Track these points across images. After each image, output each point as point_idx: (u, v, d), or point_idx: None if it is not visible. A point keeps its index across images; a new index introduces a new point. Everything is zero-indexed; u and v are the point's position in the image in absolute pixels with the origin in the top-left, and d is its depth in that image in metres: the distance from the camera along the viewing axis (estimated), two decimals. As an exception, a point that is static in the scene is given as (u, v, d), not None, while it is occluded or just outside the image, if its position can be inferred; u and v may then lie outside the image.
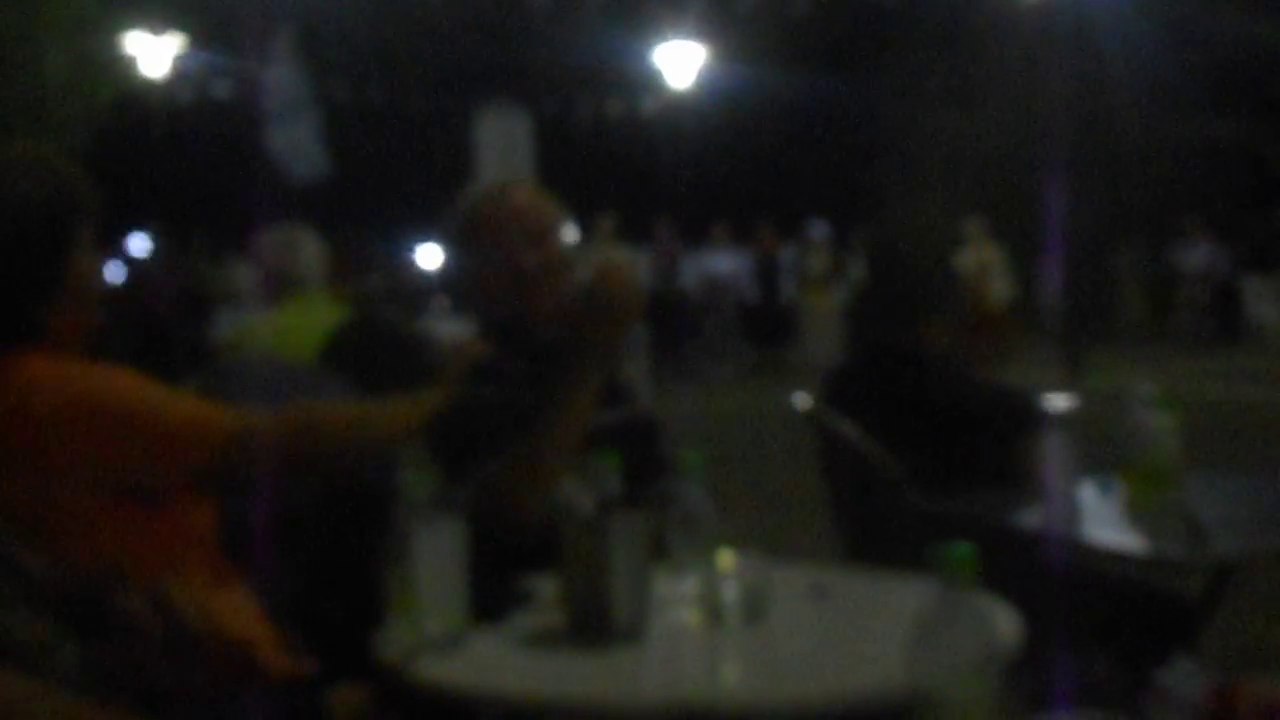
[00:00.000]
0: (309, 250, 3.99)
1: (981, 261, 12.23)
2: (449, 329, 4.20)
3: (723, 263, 15.98)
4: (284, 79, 10.03)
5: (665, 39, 17.30)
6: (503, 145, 16.19)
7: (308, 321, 3.78)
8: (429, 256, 19.16)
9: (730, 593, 1.89)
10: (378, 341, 3.57)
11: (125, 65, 13.34)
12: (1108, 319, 17.05)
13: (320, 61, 17.28)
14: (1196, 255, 17.20)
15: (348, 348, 3.44)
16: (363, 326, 3.71)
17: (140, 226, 15.97)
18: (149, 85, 14.36)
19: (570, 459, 2.22)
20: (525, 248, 2.46)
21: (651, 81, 17.97)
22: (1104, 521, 2.41)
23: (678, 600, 1.93)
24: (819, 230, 16.15)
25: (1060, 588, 2.29)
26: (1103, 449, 2.55)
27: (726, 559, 1.93)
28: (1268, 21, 16.98)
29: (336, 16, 16.91)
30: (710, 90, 18.11)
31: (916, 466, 2.80)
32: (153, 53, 14.17)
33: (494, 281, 2.48)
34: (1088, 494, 2.53)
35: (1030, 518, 2.46)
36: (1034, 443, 2.72)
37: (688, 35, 17.21)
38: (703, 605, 1.89)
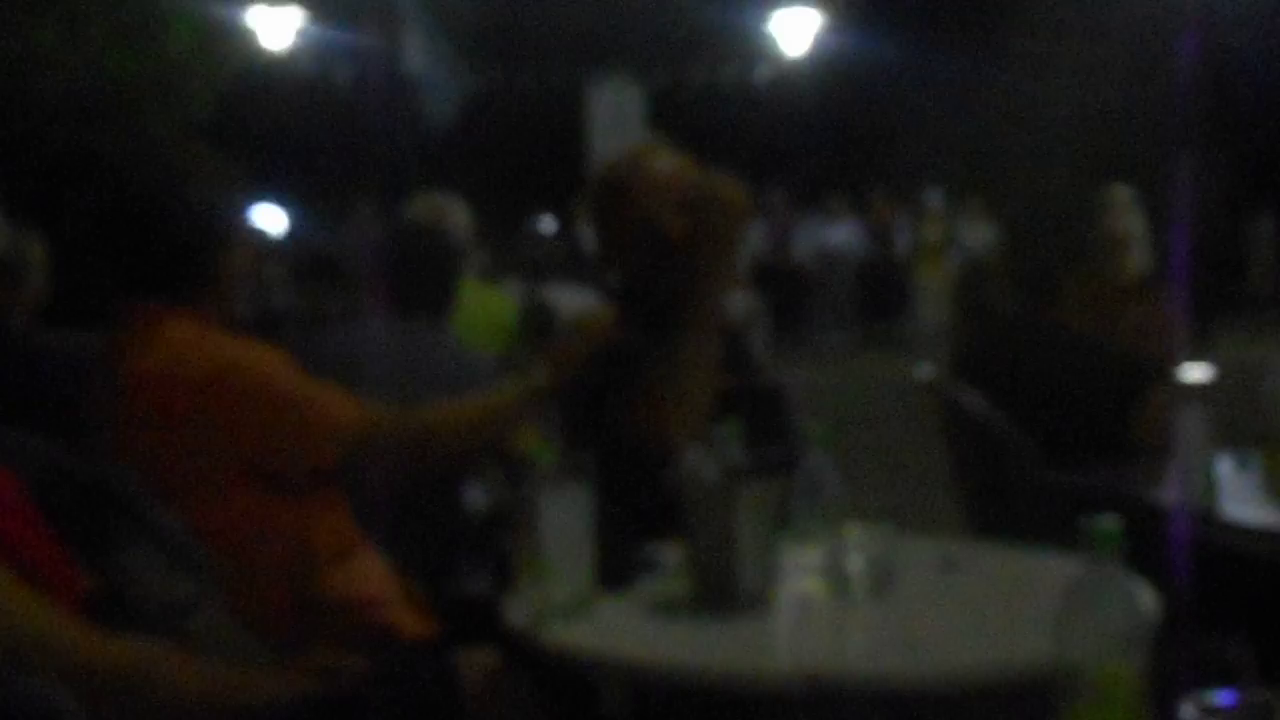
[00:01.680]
0: (458, 219, 3.98)
1: (1123, 230, 11.88)
2: (571, 298, 4.20)
3: (837, 233, 15.83)
4: (416, 41, 10.15)
5: (780, 5, 17.12)
6: (614, 118, 16.22)
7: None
8: (548, 227, 19.30)
9: (856, 563, 1.87)
10: None
11: (247, 38, 13.60)
12: (1239, 288, 16.53)
13: (445, 33, 17.49)
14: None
15: None
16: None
17: (265, 198, 16.36)
18: (271, 58, 14.65)
19: (705, 394, 2.21)
20: (671, 214, 2.40)
21: (766, 49, 17.79)
22: (1242, 497, 2.35)
23: (803, 570, 1.92)
24: (933, 199, 15.92)
25: (1194, 564, 2.23)
26: (1239, 421, 2.48)
27: (852, 529, 1.92)
28: None
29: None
30: (825, 58, 17.88)
31: (1046, 439, 2.75)
32: (273, 25, 14.43)
33: (638, 250, 2.42)
34: (1225, 469, 2.46)
35: (1164, 492, 2.40)
36: (1148, 405, 2.66)
37: (802, 1, 17.00)
38: (828, 575, 1.88)
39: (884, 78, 19.66)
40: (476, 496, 3.24)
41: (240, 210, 2.16)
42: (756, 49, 17.94)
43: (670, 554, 2.01)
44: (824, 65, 18.01)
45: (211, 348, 2.00)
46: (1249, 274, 17.49)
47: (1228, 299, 15.04)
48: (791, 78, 18.13)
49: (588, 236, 15.30)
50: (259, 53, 14.23)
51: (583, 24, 17.02)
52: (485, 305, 4.01)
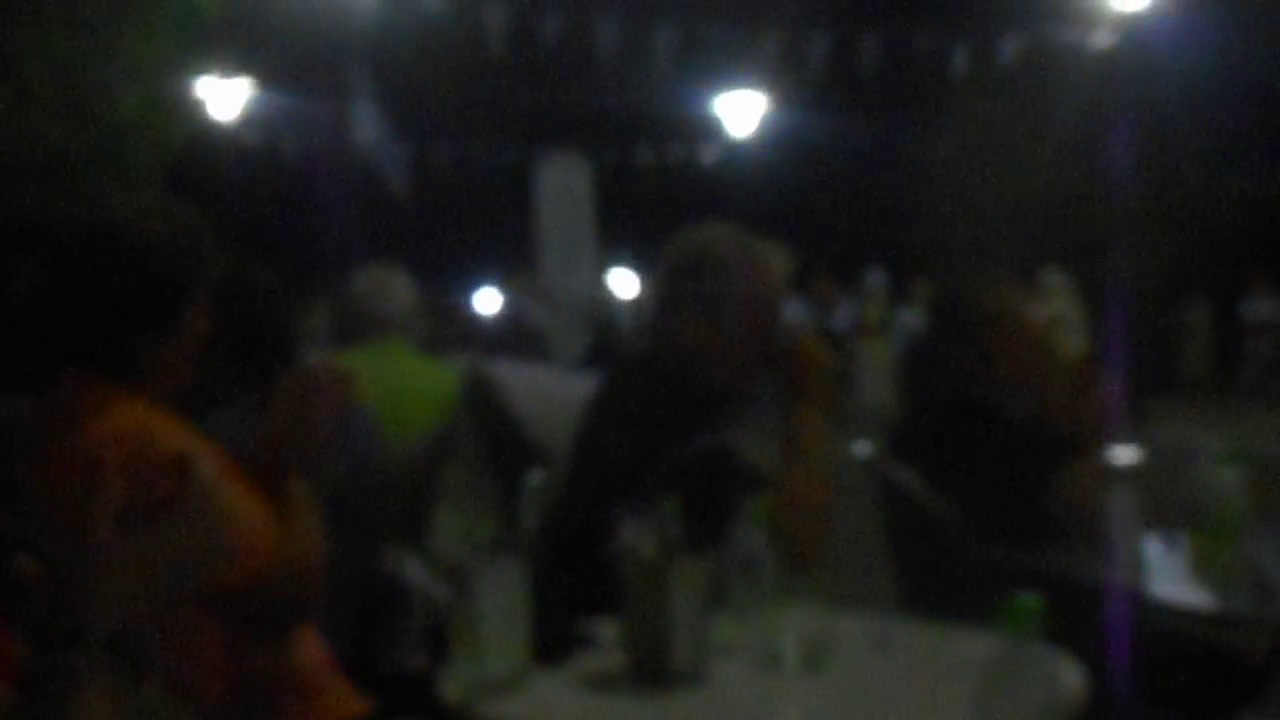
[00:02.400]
0: (401, 292, 3.98)
1: (1056, 314, 12.07)
2: (518, 374, 4.16)
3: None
4: (367, 111, 10.21)
5: (727, 88, 17.41)
6: (562, 193, 16.33)
7: (386, 364, 3.81)
8: (486, 302, 19.27)
9: (790, 641, 1.89)
10: None
11: (196, 108, 13.62)
12: (1173, 372, 16.83)
13: (393, 105, 17.57)
14: (1263, 308, 16.96)
15: None
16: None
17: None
18: (218, 129, 14.66)
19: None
20: (772, 323, 2.48)
21: (712, 130, 18.08)
22: (1170, 577, 2.39)
23: (738, 647, 1.93)
24: (875, 279, 16.13)
25: (1124, 643, 2.27)
26: (1169, 504, 2.53)
27: (787, 607, 1.94)
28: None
29: (400, 66, 17.18)
30: (771, 139, 18.18)
31: (979, 518, 2.78)
32: (223, 96, 14.47)
33: (728, 351, 2.45)
34: (1153, 549, 2.50)
35: (1095, 571, 2.44)
36: (1066, 478, 2.69)
37: (751, 85, 17.30)
38: (762, 653, 1.89)
39: (826, 159, 20.01)
40: (413, 570, 3.23)
41: (192, 293, 2.06)
42: (703, 129, 18.22)
43: (606, 629, 2.02)
44: (768, 147, 18.31)
45: (156, 435, 1.93)
46: (1184, 358, 17.83)
47: (1163, 383, 15.32)
48: (737, 158, 18.41)
49: (532, 311, 15.33)
50: (208, 123, 14.24)
51: (532, 101, 17.22)
52: (424, 377, 4.01)
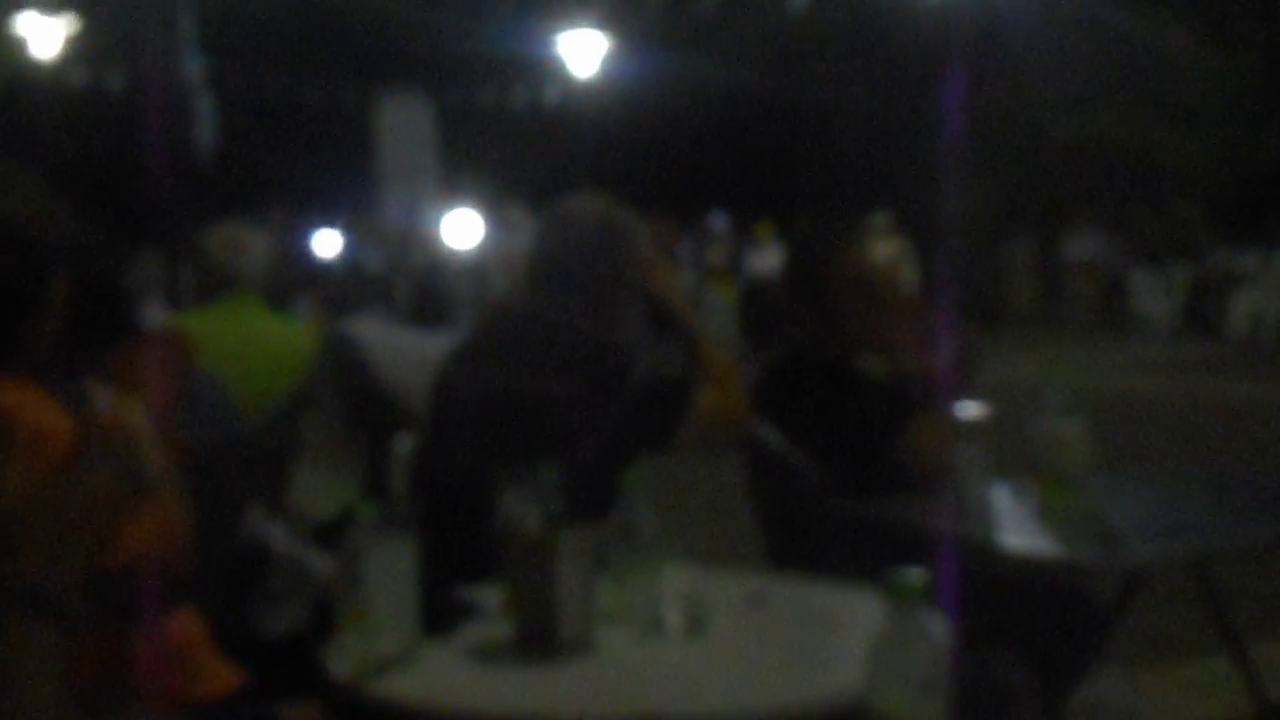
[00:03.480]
0: (255, 248, 3.91)
1: (890, 253, 12.48)
2: (375, 331, 4.09)
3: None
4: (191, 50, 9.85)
5: (570, 28, 17.31)
6: (404, 132, 16.08)
7: (239, 322, 3.75)
8: (325, 244, 18.86)
9: (672, 606, 1.95)
10: None
11: (16, 46, 12.98)
12: (999, 308, 17.47)
13: (219, 47, 16.97)
14: (1085, 247, 17.71)
15: None
16: None
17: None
18: (40, 67, 13.99)
19: None
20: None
21: (555, 70, 17.97)
22: (1017, 527, 2.51)
23: (619, 612, 1.98)
24: (718, 222, 16.32)
25: (973, 592, 2.39)
26: (1007, 446, 2.63)
27: (667, 572, 2.00)
28: (1157, 19, 17.51)
29: (233, 6, 16.61)
30: (613, 80, 18.16)
31: (835, 471, 2.88)
32: (44, 34, 13.81)
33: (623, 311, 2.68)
34: (1001, 498, 2.62)
35: (945, 522, 2.55)
36: (915, 433, 2.82)
37: (592, 25, 17.24)
38: (645, 617, 1.95)
39: (670, 101, 20.06)
40: (276, 534, 3.21)
41: (56, 264, 1.99)
42: (546, 70, 18.09)
43: (489, 596, 2.05)
44: (611, 87, 18.29)
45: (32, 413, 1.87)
46: (1010, 294, 18.52)
47: (990, 316, 15.92)
48: (580, 98, 18.35)
49: (372, 255, 15.04)
50: (28, 61, 13.58)
51: (372, 39, 16.83)
52: (278, 335, 3.95)
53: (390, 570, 1.85)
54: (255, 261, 3.92)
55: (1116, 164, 18.37)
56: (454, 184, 15.86)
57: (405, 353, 3.76)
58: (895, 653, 1.28)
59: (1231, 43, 17.72)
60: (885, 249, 3.55)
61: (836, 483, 2.83)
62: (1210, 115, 17.98)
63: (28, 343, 1.94)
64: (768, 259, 15.68)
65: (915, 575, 1.30)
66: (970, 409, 2.64)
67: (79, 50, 14.66)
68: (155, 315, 4.98)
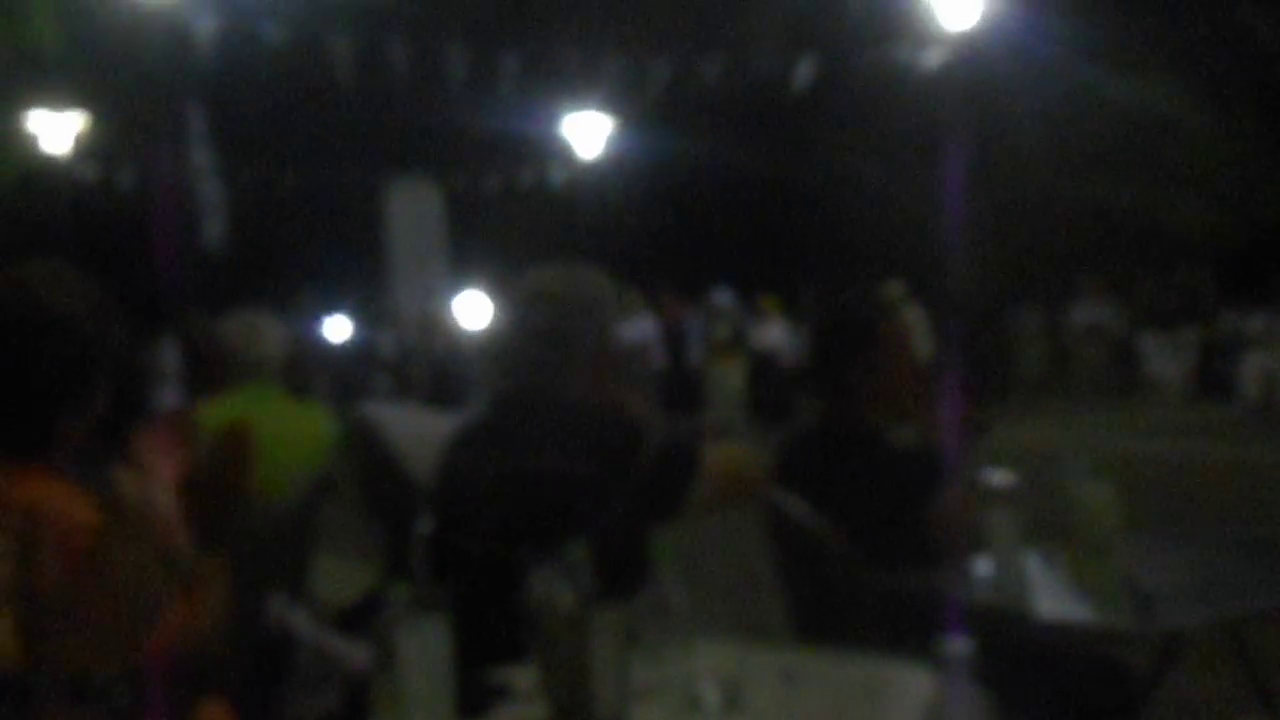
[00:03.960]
0: (271, 336, 3.93)
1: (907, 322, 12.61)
2: (395, 416, 4.10)
3: (635, 330, 16.11)
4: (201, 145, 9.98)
5: (574, 109, 17.51)
6: (413, 218, 16.21)
7: (259, 409, 3.76)
8: (335, 329, 18.96)
9: (708, 681, 1.93)
10: None
11: (28, 142, 13.16)
12: (1010, 376, 17.45)
13: (227, 139, 17.18)
14: (1093, 312, 17.72)
15: None
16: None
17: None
18: (51, 163, 14.17)
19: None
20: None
21: (561, 152, 18.16)
22: (1050, 594, 2.48)
23: (654, 690, 1.96)
24: (723, 297, 16.37)
25: (1009, 663, 2.36)
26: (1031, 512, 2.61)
27: (702, 649, 1.98)
28: (1153, 83, 17.68)
29: (243, 94, 16.84)
30: (618, 161, 18.34)
31: (864, 543, 2.86)
32: (55, 130, 14.00)
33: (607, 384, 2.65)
34: (1033, 566, 2.60)
35: (979, 592, 2.53)
36: (945, 501, 2.80)
37: (596, 106, 17.43)
38: (681, 694, 1.93)
39: (674, 180, 20.24)
40: (299, 620, 3.18)
41: (104, 363, 1.98)
42: (551, 152, 18.28)
43: (523, 678, 2.03)
44: (616, 168, 18.46)
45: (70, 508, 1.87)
46: (1020, 363, 18.51)
47: (1001, 387, 15.90)
48: (585, 179, 18.52)
49: (383, 339, 15.07)
50: (41, 157, 13.77)
51: (380, 127, 17.03)
52: (299, 422, 3.96)
53: (424, 651, 1.84)
54: (272, 349, 3.93)
55: (1120, 228, 18.46)
56: (463, 266, 15.96)
57: (426, 434, 3.76)
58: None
59: (1227, 104, 17.87)
60: (907, 316, 3.58)
61: (866, 554, 2.81)
62: (1210, 177, 18.10)
63: (64, 437, 1.94)
64: (773, 333, 15.72)
65: (963, 645, 1.29)
66: (996, 477, 2.63)
67: (89, 146, 14.85)
68: (172, 403, 4.98)
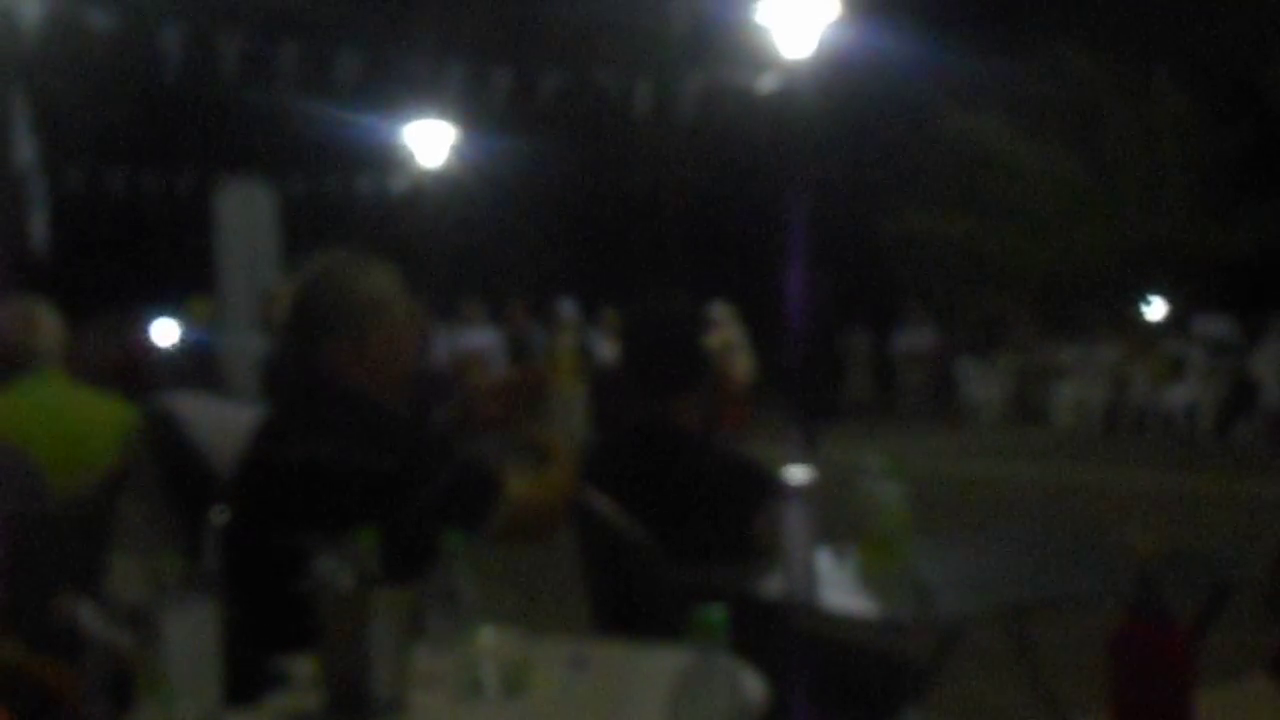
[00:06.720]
0: (48, 324, 3.78)
1: (727, 341, 12.87)
2: (204, 409, 3.98)
3: (475, 339, 16.01)
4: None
5: (416, 118, 17.35)
6: (244, 221, 15.81)
7: (44, 400, 3.62)
8: (163, 333, 18.40)
9: (489, 667, 1.92)
10: None
11: None
12: (839, 398, 17.87)
13: (53, 134, 16.55)
14: (916, 339, 18.28)
15: None
16: None
17: None
18: None
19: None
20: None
21: (402, 160, 17.97)
22: (839, 588, 2.55)
23: (437, 676, 1.94)
24: (567, 309, 16.39)
25: (800, 652, 2.41)
26: (837, 519, 2.69)
27: (485, 634, 1.97)
28: (982, 119, 18.34)
29: (70, 87, 16.25)
30: (461, 169, 18.24)
31: (669, 539, 2.89)
32: None
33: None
34: (825, 562, 2.66)
35: (772, 586, 2.58)
36: (773, 512, 2.86)
37: (439, 115, 17.31)
38: (462, 680, 1.91)
39: (517, 190, 20.21)
40: (90, 617, 3.07)
41: None
42: (393, 159, 18.09)
43: (300, 667, 1.99)
44: (459, 177, 18.36)
45: None
46: (847, 384, 18.98)
47: (829, 406, 16.26)
48: (427, 188, 18.36)
49: (213, 341, 14.69)
50: None
51: (213, 129, 16.61)
52: (92, 411, 3.81)
53: (191, 634, 1.79)
54: (50, 337, 3.78)
55: (944, 258, 19.08)
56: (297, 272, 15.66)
57: (228, 426, 3.67)
58: (697, 690, 1.28)
59: (1048, 140, 18.64)
60: (720, 336, 3.64)
61: (676, 552, 2.84)
62: (1031, 211, 18.83)
63: None
64: (615, 346, 15.80)
65: (716, 611, 1.31)
66: (796, 475, 2.69)
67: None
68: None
